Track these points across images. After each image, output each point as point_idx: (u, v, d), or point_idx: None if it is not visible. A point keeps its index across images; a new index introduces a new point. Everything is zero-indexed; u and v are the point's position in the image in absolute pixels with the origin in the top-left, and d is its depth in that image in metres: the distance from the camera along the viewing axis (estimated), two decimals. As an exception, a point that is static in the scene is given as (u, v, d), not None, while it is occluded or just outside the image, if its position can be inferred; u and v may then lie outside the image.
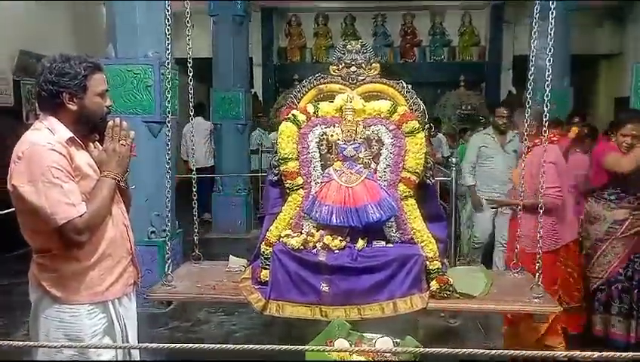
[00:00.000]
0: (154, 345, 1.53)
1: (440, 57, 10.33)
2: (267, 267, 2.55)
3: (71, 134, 1.86)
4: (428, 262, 2.53)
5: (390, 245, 2.57)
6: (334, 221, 2.52)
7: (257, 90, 10.08)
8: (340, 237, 2.53)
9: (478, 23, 10.19)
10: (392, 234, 2.59)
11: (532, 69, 3.05)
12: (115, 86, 3.95)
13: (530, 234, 2.82)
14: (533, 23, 2.91)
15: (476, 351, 1.34)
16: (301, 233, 2.57)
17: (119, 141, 1.89)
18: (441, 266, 2.55)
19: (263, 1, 9.53)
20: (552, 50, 2.68)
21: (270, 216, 2.68)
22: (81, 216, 1.77)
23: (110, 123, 1.91)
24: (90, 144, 1.97)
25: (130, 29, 4.15)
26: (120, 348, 1.95)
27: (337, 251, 2.51)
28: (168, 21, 2.63)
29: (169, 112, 2.64)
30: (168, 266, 2.62)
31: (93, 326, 1.88)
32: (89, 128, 1.93)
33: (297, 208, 2.62)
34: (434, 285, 2.51)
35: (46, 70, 1.85)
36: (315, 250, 2.51)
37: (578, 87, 6.82)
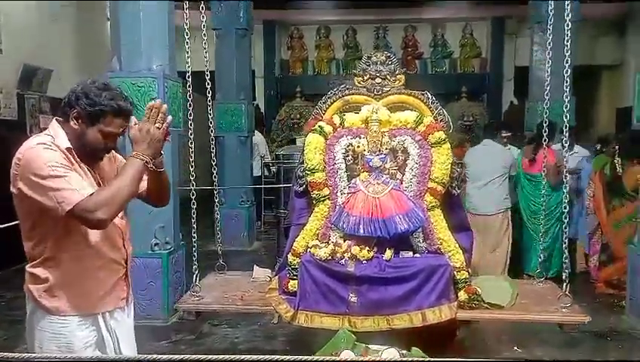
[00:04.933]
0: (153, 356, 1.46)
1: (441, 69, 10.37)
2: (295, 277, 2.55)
3: (69, 145, 1.84)
4: (455, 272, 2.54)
5: (418, 255, 2.58)
6: (362, 231, 2.52)
7: (260, 102, 10.09)
8: (367, 248, 2.54)
9: (480, 35, 10.26)
10: (420, 245, 2.60)
11: (548, 79, 3.07)
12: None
13: None
14: (548, 34, 2.94)
15: (479, 360, 1.29)
16: (328, 243, 2.57)
17: (155, 123, 1.84)
18: (468, 276, 2.56)
19: (265, 13, 9.57)
20: (569, 62, 2.72)
21: (296, 227, 2.69)
22: (90, 196, 1.73)
23: (150, 104, 1.86)
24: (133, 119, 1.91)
25: (134, 43, 4.16)
26: (116, 361, 1.91)
27: (365, 262, 2.51)
28: (187, 34, 2.63)
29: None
30: (196, 277, 2.61)
31: (84, 338, 1.85)
32: (84, 153, 1.88)
33: (324, 219, 2.63)
34: (462, 295, 2.52)
35: (81, 83, 1.86)
36: (342, 261, 2.51)
37: (580, 97, 6.90)
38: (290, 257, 2.58)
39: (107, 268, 1.90)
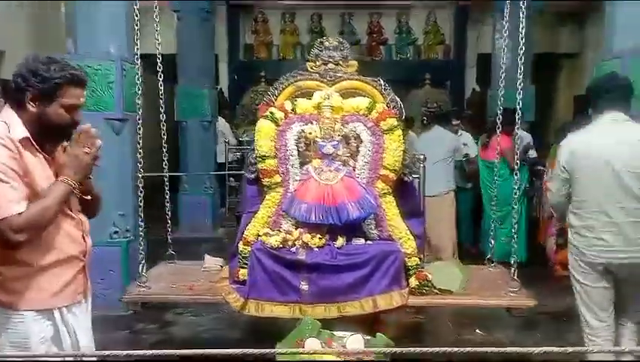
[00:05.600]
0: (112, 352, 1.41)
1: (406, 55, 10.39)
2: (245, 266, 2.51)
3: (26, 134, 1.76)
4: (407, 259, 2.55)
5: (369, 242, 2.58)
6: (313, 219, 2.50)
7: (223, 87, 9.93)
8: (319, 235, 2.52)
9: (443, 22, 10.32)
10: (371, 232, 2.59)
11: (503, 67, 3.14)
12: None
13: None
14: (504, 22, 2.96)
15: (448, 349, 1.32)
16: (280, 231, 2.54)
17: (84, 148, 1.78)
18: (420, 262, 2.58)
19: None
20: (523, 50, 2.75)
21: (248, 215, 2.65)
22: (19, 214, 1.68)
23: (79, 127, 1.81)
24: (59, 148, 1.86)
25: (90, 24, 4.01)
26: (73, 355, 1.84)
27: (317, 249, 2.50)
28: (137, 16, 2.56)
29: (137, 110, 2.58)
30: (142, 267, 2.55)
31: (40, 333, 1.79)
32: (48, 135, 1.82)
33: (276, 206, 2.60)
34: (413, 281, 2.53)
35: (23, 64, 1.78)
36: (294, 249, 2.49)
37: (540, 85, 7.03)
38: (240, 246, 2.55)
39: (65, 263, 1.83)
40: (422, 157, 4.43)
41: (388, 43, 10.47)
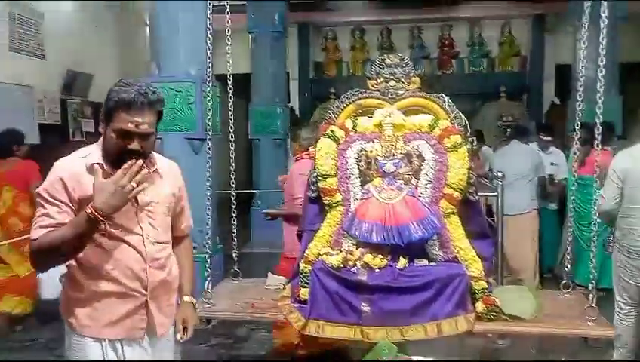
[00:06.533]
0: None
1: (479, 68, 10.15)
2: (306, 285, 2.50)
3: (97, 160, 1.73)
4: (473, 282, 2.43)
5: (433, 264, 2.49)
6: (374, 239, 2.45)
7: (294, 105, 10.13)
8: (380, 256, 2.46)
9: (519, 33, 9.97)
10: (435, 253, 2.50)
11: (582, 79, 2.93)
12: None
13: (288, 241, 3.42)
14: (582, 33, 2.78)
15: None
16: (341, 251, 2.51)
17: (128, 180, 1.64)
18: (487, 286, 2.45)
19: (299, 15, 9.59)
20: (603, 61, 2.58)
21: (309, 234, 2.64)
22: (35, 239, 1.68)
23: (129, 163, 1.66)
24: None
25: (172, 48, 4.24)
26: None
27: (378, 270, 2.44)
28: (209, 39, 2.66)
29: (209, 129, 2.66)
30: (208, 283, 2.61)
31: (97, 359, 1.78)
32: (114, 162, 1.72)
33: (336, 225, 2.57)
34: (480, 306, 2.41)
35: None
36: (355, 269, 2.45)
37: (629, 96, 6.56)
38: (302, 264, 2.54)
39: (121, 296, 1.77)
40: (500, 174, 4.25)
41: (460, 56, 10.26)
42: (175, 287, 1.99)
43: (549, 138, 5.48)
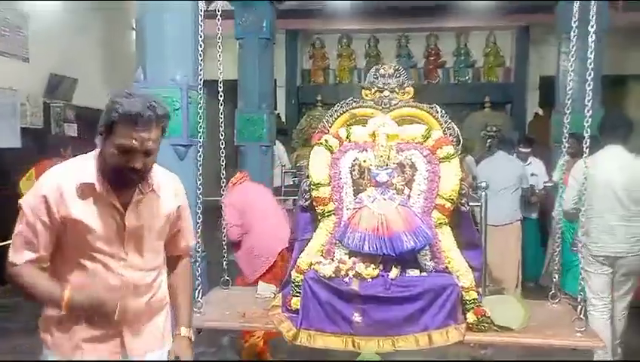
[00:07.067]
0: None
1: (464, 78, 10.25)
2: (298, 295, 2.49)
3: (86, 180, 1.61)
4: (464, 292, 2.44)
5: (424, 274, 2.49)
6: (367, 248, 2.45)
7: (281, 112, 10.12)
8: (372, 266, 2.46)
9: (503, 44, 10.12)
10: (427, 263, 2.51)
11: (569, 92, 2.95)
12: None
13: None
14: (571, 46, 2.81)
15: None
16: (333, 260, 2.51)
17: (115, 307, 1.59)
18: (477, 296, 2.47)
19: (287, 23, 9.61)
20: (591, 74, 2.62)
21: (301, 242, 2.63)
22: (14, 264, 1.61)
23: (122, 307, 1.62)
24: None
25: (158, 53, 4.19)
26: None
27: (370, 280, 2.44)
28: (201, 47, 2.64)
29: (199, 136, 2.64)
30: (198, 292, 2.58)
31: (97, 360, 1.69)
32: (112, 180, 1.62)
33: (329, 234, 2.57)
34: (470, 317, 2.42)
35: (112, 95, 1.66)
36: (347, 279, 2.44)
37: (609, 108, 6.68)
38: (293, 274, 2.53)
39: (89, 319, 1.66)
40: (484, 184, 4.28)
41: (446, 66, 10.36)
42: (162, 310, 1.84)
43: (528, 150, 5.59)
